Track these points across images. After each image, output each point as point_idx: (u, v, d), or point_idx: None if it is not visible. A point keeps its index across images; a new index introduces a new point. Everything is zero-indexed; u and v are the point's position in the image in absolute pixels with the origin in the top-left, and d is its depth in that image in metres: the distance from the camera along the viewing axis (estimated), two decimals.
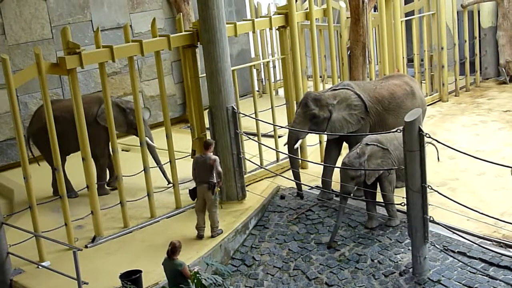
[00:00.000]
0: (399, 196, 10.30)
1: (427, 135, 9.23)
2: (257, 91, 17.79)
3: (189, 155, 12.74)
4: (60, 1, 15.58)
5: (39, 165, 13.00)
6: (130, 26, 16.28)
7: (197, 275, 8.85)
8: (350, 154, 10.61)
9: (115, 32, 16.29)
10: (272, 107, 13.29)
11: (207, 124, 12.32)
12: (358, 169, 10.35)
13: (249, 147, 12.83)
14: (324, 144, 12.75)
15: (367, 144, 10.57)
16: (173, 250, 8.89)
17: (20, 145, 10.44)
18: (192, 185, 11.30)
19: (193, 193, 11.06)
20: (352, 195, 10.82)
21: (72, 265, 9.02)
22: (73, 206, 11.77)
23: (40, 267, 10.34)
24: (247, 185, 12.40)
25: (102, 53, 11.12)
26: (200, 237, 10.95)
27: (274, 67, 19.44)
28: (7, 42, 14.87)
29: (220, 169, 10.94)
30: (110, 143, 11.81)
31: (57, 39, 15.07)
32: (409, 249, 9.86)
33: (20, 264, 10.47)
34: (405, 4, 17.45)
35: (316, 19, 14.24)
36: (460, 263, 9.58)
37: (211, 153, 11.01)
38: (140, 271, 9.51)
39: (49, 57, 15.04)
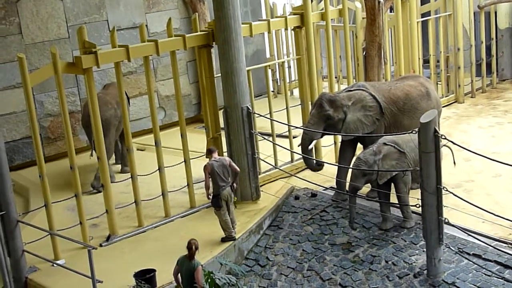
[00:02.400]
0: (414, 198, 10.26)
1: (443, 137, 9.19)
2: (272, 91, 17.79)
3: (204, 155, 12.74)
4: (76, 1, 15.65)
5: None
6: (146, 26, 16.25)
7: (211, 274, 8.84)
8: (366, 151, 10.61)
9: (131, 31, 16.34)
10: (287, 108, 13.27)
11: (222, 124, 12.34)
12: (370, 170, 10.32)
13: (264, 147, 12.83)
14: (339, 145, 12.73)
15: (385, 144, 10.55)
16: (192, 251, 8.84)
17: (36, 144, 10.49)
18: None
19: (218, 200, 10.65)
20: (366, 196, 10.75)
21: (86, 264, 9.08)
22: (88, 205, 11.84)
23: (55, 265, 10.39)
24: (261, 185, 12.40)
25: (118, 53, 11.17)
26: (234, 238, 10.82)
27: (289, 67, 19.47)
28: (23, 41, 14.96)
29: (238, 168, 10.94)
30: (124, 141, 11.92)
31: (73, 38, 15.13)
32: (423, 251, 9.82)
33: (35, 262, 10.53)
34: (421, 5, 17.39)
35: (331, 19, 14.22)
36: (475, 265, 9.53)
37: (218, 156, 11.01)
38: (154, 270, 9.55)
39: (65, 56, 15.10)
